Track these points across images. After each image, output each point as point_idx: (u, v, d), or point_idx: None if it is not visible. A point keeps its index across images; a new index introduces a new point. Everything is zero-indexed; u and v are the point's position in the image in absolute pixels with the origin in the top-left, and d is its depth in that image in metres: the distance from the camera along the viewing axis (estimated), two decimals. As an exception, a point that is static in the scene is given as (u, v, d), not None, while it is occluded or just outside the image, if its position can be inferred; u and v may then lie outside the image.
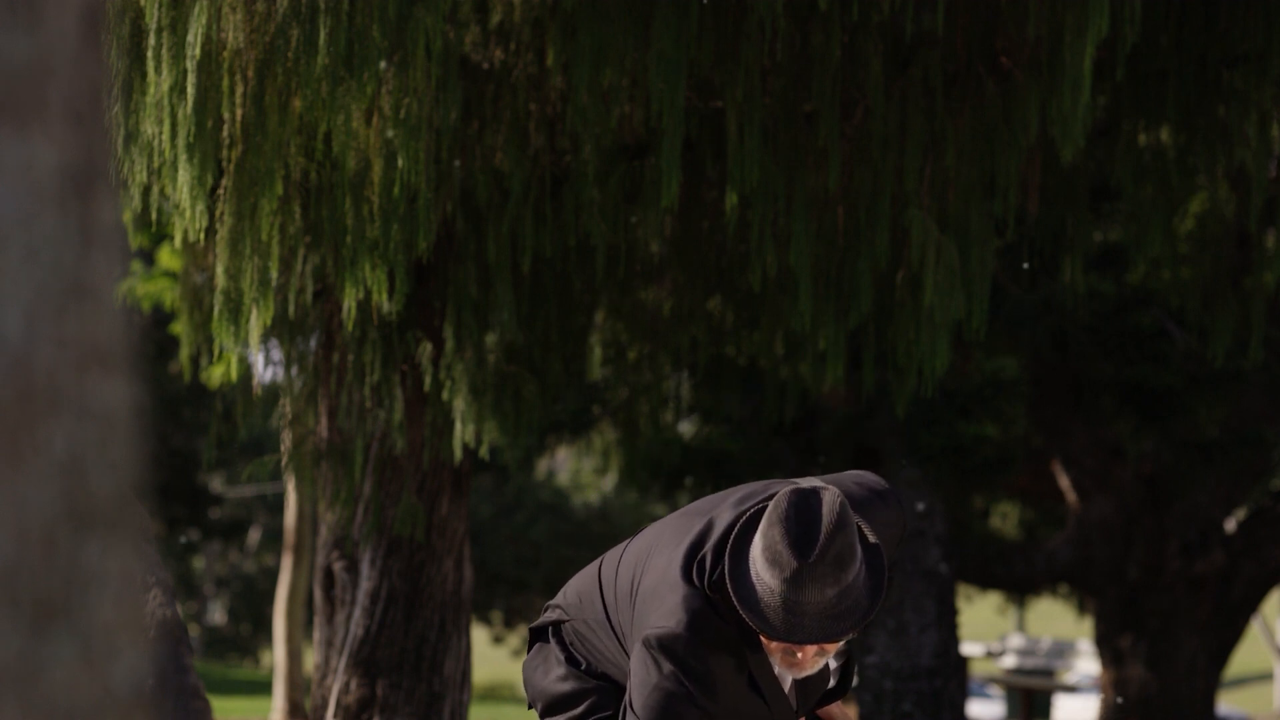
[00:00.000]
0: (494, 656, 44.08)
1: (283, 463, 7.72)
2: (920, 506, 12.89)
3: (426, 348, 7.45)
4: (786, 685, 3.60)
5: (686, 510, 3.71)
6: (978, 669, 33.22)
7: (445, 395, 7.44)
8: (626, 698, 3.54)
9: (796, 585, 3.33)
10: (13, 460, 1.56)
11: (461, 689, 7.85)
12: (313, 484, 7.92)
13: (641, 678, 3.49)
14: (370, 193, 6.65)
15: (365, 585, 7.78)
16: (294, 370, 7.76)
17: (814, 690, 3.72)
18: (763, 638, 3.45)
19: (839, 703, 3.91)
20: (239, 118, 6.51)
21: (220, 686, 20.59)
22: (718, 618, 3.46)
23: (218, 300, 6.75)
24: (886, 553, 3.51)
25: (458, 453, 7.52)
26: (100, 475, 1.61)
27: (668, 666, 3.45)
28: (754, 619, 3.38)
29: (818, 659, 3.47)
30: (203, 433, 27.17)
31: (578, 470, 38.93)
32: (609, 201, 7.20)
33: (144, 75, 6.52)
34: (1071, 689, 25.00)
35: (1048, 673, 25.36)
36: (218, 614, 45.87)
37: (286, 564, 15.14)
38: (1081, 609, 26.79)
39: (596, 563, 3.81)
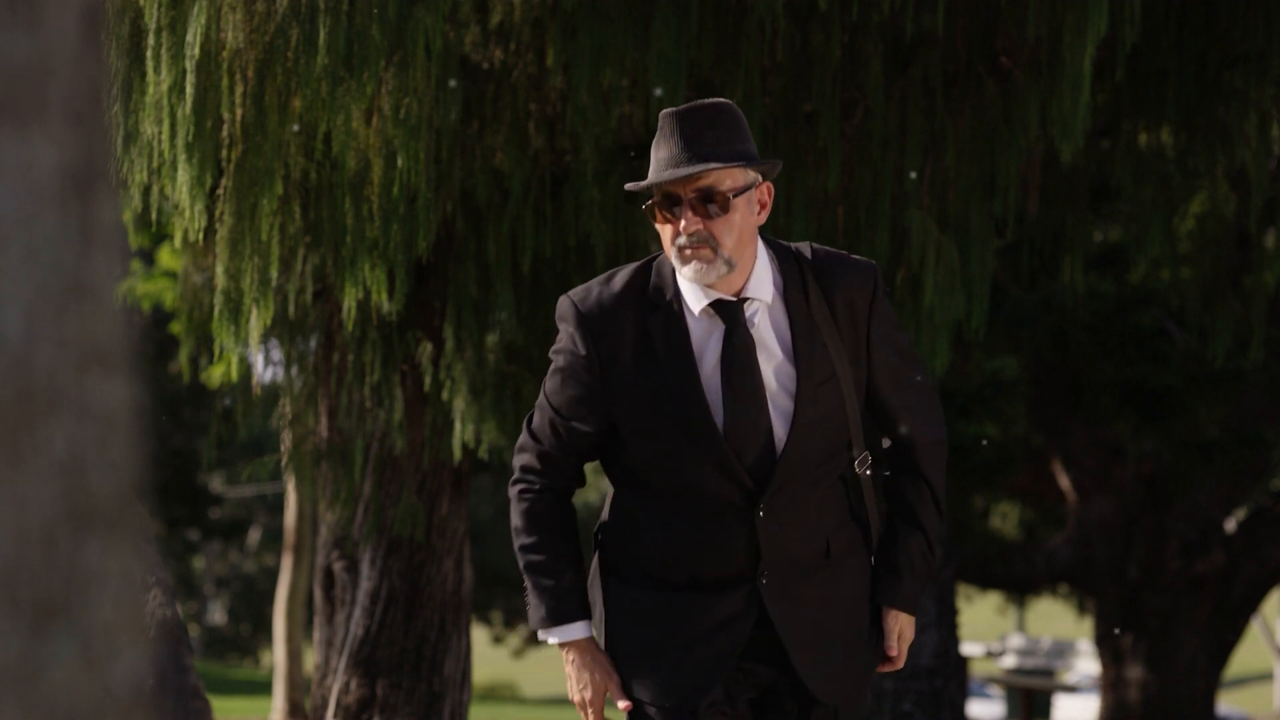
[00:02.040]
0: (494, 656, 44.08)
1: (283, 463, 7.72)
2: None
3: (426, 348, 7.45)
4: (707, 366, 3.67)
5: None
6: (978, 669, 33.23)
7: (445, 395, 7.44)
8: None
9: (668, 133, 3.63)
10: (13, 460, 1.56)
11: (461, 689, 7.85)
12: (313, 484, 7.93)
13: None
14: (370, 193, 6.65)
15: (365, 585, 7.78)
16: (294, 370, 7.76)
17: (745, 394, 3.65)
18: (659, 226, 3.66)
19: (902, 617, 3.84)
20: (239, 118, 6.51)
21: (220, 686, 20.60)
22: (640, 284, 3.70)
23: (218, 300, 6.75)
24: (854, 314, 3.71)
25: (458, 453, 7.52)
26: (100, 475, 1.61)
27: (560, 327, 3.71)
28: (639, 186, 3.65)
29: (703, 252, 3.60)
30: (203, 433, 27.18)
31: (578, 470, 38.84)
32: (609, 201, 7.20)
33: (143, 75, 6.52)
34: (1071, 689, 25.00)
35: (1048, 673, 25.36)
36: (218, 614, 45.88)
37: (286, 564, 15.14)
38: (1081, 609, 26.78)
39: None
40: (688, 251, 3.62)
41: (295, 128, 6.57)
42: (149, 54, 6.44)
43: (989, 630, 40.01)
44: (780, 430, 3.68)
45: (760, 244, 3.75)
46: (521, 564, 3.75)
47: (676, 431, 3.65)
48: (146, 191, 6.81)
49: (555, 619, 3.71)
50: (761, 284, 3.69)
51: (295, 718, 14.26)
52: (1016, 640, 27.27)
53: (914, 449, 3.83)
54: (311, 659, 8.58)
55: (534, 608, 3.73)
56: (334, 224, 6.75)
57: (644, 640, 3.74)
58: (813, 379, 3.67)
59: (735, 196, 3.62)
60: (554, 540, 3.73)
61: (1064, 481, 15.50)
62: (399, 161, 6.51)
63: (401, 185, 6.53)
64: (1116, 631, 14.86)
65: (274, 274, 6.86)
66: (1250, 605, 14.99)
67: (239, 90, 6.48)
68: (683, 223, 3.61)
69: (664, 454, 3.67)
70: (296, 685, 14.48)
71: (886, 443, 3.90)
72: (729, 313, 3.67)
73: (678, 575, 3.71)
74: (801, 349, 3.68)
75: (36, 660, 1.56)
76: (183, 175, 6.43)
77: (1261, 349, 8.24)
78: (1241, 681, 43.07)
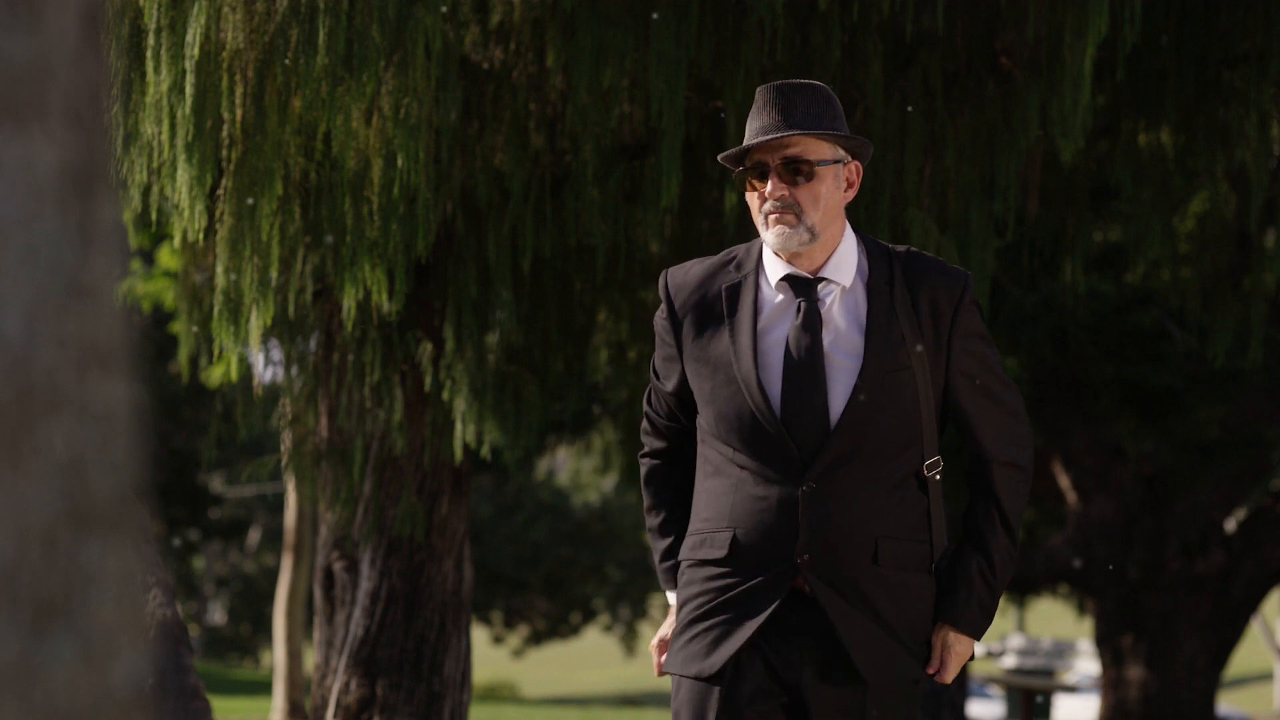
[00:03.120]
0: (494, 656, 44.07)
1: (283, 463, 7.72)
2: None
3: (426, 348, 7.45)
4: (774, 337, 3.76)
5: None
6: (978, 669, 33.21)
7: (445, 395, 7.44)
8: None
9: (761, 105, 3.78)
10: (13, 460, 1.56)
11: (461, 689, 7.85)
12: (313, 484, 7.93)
13: None
14: (370, 193, 6.65)
15: (365, 585, 7.78)
16: (294, 370, 7.76)
17: (805, 368, 3.72)
18: (748, 197, 3.79)
19: (951, 634, 3.82)
20: (238, 118, 6.51)
21: (220, 686, 20.61)
22: (729, 258, 3.87)
23: (218, 300, 6.75)
24: (936, 316, 3.77)
25: (458, 453, 7.51)
26: (100, 475, 1.61)
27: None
28: (730, 158, 3.81)
29: (787, 217, 3.73)
30: (203, 433, 27.18)
31: (578, 470, 38.92)
32: (609, 201, 7.20)
33: (143, 75, 6.52)
34: (1071, 689, 25.00)
35: (1048, 673, 25.36)
36: (218, 614, 45.88)
37: (286, 564, 15.15)
38: (1081, 609, 26.78)
39: None
40: (772, 216, 3.75)
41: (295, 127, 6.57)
42: (149, 54, 6.44)
43: (989, 630, 39.99)
44: (836, 409, 3.71)
45: (850, 232, 3.84)
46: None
47: (733, 394, 3.73)
48: (146, 191, 6.81)
49: (663, 585, 3.99)
50: (842, 267, 3.78)
51: (295, 718, 14.26)
52: (1016, 640, 27.26)
53: (989, 468, 3.81)
54: (311, 659, 8.58)
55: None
56: (334, 224, 6.75)
57: (684, 616, 3.82)
58: (882, 365, 3.71)
59: (821, 166, 3.74)
60: (659, 504, 3.96)
61: (1064, 481, 15.50)
62: (399, 161, 6.50)
63: (401, 185, 6.53)
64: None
65: (274, 274, 6.86)
66: (1250, 605, 14.99)
67: (239, 90, 6.48)
68: (769, 187, 3.74)
69: (722, 416, 3.75)
70: (296, 685, 14.48)
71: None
72: (802, 288, 3.76)
73: (721, 543, 3.75)
74: (874, 334, 3.73)
75: (36, 660, 1.56)
76: (183, 175, 6.43)
77: (1261, 349, 8.23)
78: (1241, 681, 43.07)
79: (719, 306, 3.79)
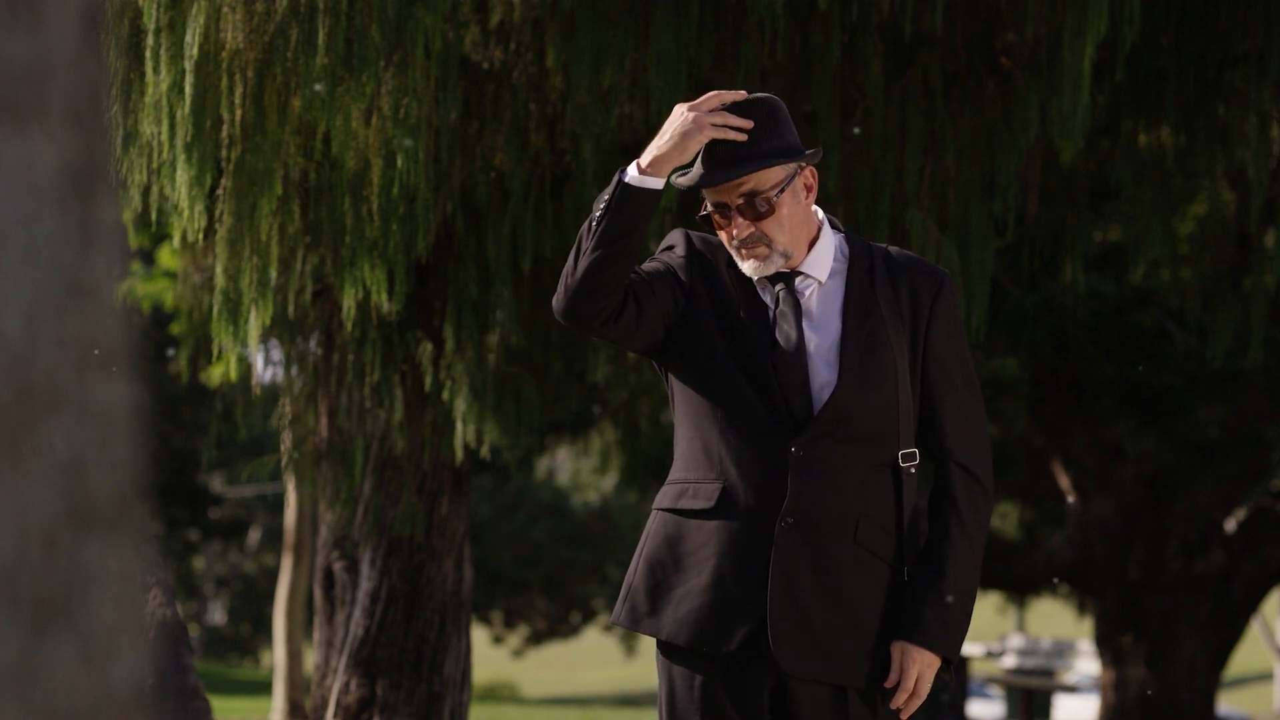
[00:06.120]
0: (494, 656, 44.07)
1: (283, 463, 7.72)
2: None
3: (426, 348, 7.45)
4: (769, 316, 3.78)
5: None
6: (978, 669, 33.23)
7: (445, 395, 7.44)
8: None
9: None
10: (13, 460, 1.56)
11: (461, 689, 7.85)
12: (313, 484, 7.93)
13: None
14: (370, 193, 6.65)
15: (365, 585, 7.78)
16: (294, 370, 7.76)
17: (789, 351, 3.74)
18: (716, 230, 3.79)
19: (918, 651, 3.74)
20: (238, 118, 6.51)
21: (220, 686, 20.61)
22: (715, 246, 3.87)
23: (217, 300, 6.75)
24: (915, 305, 3.79)
25: (458, 453, 7.51)
26: (100, 475, 1.61)
27: (668, 246, 3.89)
28: (685, 181, 3.76)
29: (758, 250, 3.74)
30: (203, 433, 27.18)
31: (578, 470, 38.94)
32: (609, 201, 7.19)
33: (143, 75, 6.52)
34: (1071, 689, 25.02)
35: (1048, 673, 25.37)
36: (218, 614, 45.90)
37: (286, 564, 15.16)
38: (1081, 609, 26.78)
39: None
40: (743, 251, 3.76)
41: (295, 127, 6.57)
42: (148, 54, 6.44)
43: (989, 630, 40.00)
44: (818, 391, 3.73)
45: (827, 228, 3.86)
46: (588, 242, 3.68)
47: (738, 346, 3.75)
48: (146, 191, 6.81)
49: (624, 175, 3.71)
50: (818, 263, 3.82)
51: (295, 718, 14.26)
52: (1016, 640, 27.28)
53: (949, 469, 3.81)
54: (311, 659, 8.59)
55: (605, 199, 3.68)
56: (334, 224, 6.75)
57: (662, 572, 3.78)
58: (859, 347, 3.75)
59: (780, 194, 3.74)
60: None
61: (1064, 481, 15.49)
62: (398, 161, 6.51)
63: (401, 185, 6.53)
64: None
65: (273, 274, 6.86)
66: (1250, 605, 14.99)
67: (238, 90, 6.48)
68: (734, 229, 3.75)
69: (722, 370, 3.76)
70: (296, 685, 14.48)
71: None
72: (780, 279, 3.80)
73: (709, 495, 3.74)
74: (853, 315, 3.77)
75: (36, 660, 1.56)
76: (182, 175, 6.44)
77: (1261, 349, 8.22)
78: (1241, 681, 43.08)
79: (726, 273, 3.81)
